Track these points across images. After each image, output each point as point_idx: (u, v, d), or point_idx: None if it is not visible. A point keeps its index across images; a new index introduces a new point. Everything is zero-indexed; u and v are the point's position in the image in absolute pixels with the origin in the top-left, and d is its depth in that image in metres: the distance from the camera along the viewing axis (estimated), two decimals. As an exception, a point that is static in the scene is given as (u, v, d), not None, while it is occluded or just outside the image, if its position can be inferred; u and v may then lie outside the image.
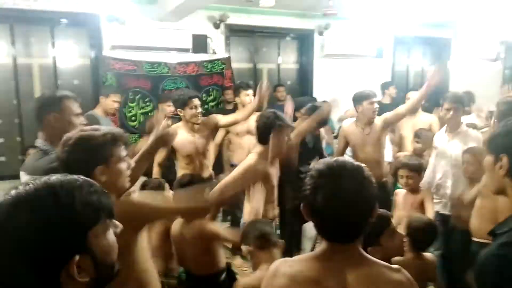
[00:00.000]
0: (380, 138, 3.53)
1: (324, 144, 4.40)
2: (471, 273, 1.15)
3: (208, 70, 5.11)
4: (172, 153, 3.57)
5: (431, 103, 4.55)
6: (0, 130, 4.77)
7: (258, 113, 2.96)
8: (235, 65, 5.67)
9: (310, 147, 3.79)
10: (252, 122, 3.44)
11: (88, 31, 4.97)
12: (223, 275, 2.35)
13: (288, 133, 2.63)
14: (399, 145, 4.38)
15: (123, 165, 1.49)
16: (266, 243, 2.01)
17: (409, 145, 4.13)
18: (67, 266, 0.72)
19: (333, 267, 1.11)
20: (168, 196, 2.31)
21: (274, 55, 6.33)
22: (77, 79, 5.09)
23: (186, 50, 5.18)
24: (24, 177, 1.91)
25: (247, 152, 3.39)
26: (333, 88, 6.04)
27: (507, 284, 1.03)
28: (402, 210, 3.00)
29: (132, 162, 1.63)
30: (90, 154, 1.41)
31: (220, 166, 4.23)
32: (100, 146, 1.42)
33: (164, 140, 1.98)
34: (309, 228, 3.70)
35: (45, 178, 0.77)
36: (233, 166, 3.76)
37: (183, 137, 3.38)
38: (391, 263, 1.17)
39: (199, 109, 3.39)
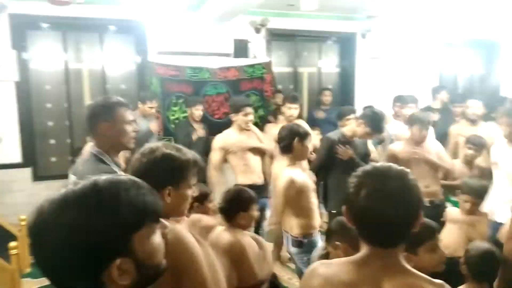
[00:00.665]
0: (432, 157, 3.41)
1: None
2: None
3: (248, 75, 5.14)
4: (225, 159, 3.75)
5: (486, 109, 4.24)
6: (52, 132, 5.04)
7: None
8: (275, 69, 5.68)
9: (360, 152, 3.66)
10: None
11: (134, 38, 5.18)
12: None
13: (310, 140, 2.79)
14: (454, 153, 4.14)
15: (189, 192, 1.45)
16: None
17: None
18: (108, 268, 0.72)
19: (370, 273, 1.08)
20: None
21: (315, 59, 6.28)
22: (124, 83, 5.30)
23: (228, 55, 5.25)
24: (72, 179, 1.94)
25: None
26: (376, 92, 5.91)
27: None
28: (452, 228, 2.82)
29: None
30: (168, 173, 1.38)
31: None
32: (180, 169, 1.40)
33: None
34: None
35: (95, 177, 0.77)
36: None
37: (234, 137, 3.68)
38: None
39: (251, 117, 3.72)
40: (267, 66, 5.30)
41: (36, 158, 4.93)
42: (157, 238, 0.81)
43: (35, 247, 0.74)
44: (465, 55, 6.97)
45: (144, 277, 0.78)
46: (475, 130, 3.95)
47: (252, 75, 5.19)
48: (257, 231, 3.84)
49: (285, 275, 3.69)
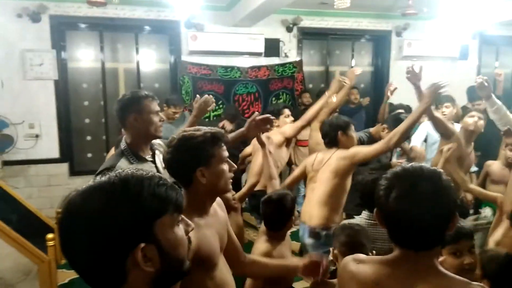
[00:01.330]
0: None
1: None
2: None
3: (279, 74, 5.14)
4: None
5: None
6: (88, 129, 5.22)
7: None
8: (306, 68, 5.64)
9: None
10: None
11: (168, 38, 5.27)
12: None
13: (353, 129, 2.73)
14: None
15: (224, 166, 1.41)
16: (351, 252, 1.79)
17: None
18: (132, 252, 0.74)
19: (400, 275, 1.05)
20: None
21: (347, 58, 6.19)
22: (158, 82, 5.41)
23: (259, 54, 5.26)
24: None
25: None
26: (410, 91, 5.74)
27: None
28: (497, 185, 2.65)
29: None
30: (191, 154, 1.36)
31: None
32: (200, 146, 1.37)
33: (202, 109, 2.32)
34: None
35: (119, 170, 0.81)
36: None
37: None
38: None
39: (291, 117, 3.69)
40: (298, 65, 5.28)
41: (73, 154, 5.11)
42: (180, 231, 0.83)
43: (62, 231, 0.77)
44: (505, 52, 6.68)
45: (168, 270, 0.79)
46: None
47: (283, 74, 5.18)
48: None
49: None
